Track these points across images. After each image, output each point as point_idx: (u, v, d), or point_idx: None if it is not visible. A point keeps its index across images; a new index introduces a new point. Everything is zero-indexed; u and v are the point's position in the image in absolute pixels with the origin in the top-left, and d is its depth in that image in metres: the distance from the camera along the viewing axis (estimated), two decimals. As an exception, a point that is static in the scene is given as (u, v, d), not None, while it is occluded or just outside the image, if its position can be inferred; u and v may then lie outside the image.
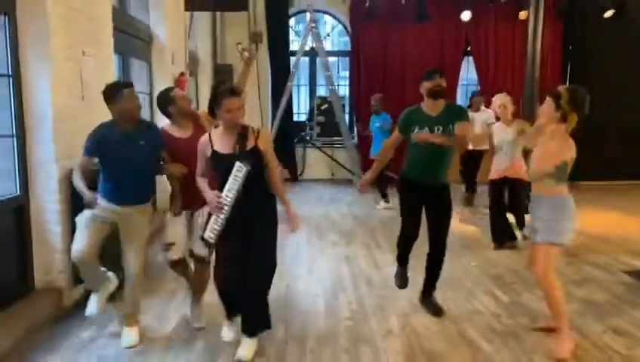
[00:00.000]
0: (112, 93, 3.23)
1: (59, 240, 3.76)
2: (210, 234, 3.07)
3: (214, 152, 3.08)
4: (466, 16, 9.68)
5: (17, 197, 3.64)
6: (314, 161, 10.65)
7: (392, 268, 4.87)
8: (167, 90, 3.59)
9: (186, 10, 6.70)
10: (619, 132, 9.63)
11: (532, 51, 7.51)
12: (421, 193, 3.73)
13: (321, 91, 10.97)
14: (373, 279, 4.63)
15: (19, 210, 3.65)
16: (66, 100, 3.84)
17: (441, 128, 3.61)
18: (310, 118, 10.84)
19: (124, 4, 5.86)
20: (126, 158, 3.26)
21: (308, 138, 10.66)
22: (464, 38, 10.22)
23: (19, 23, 3.59)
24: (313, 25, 9.13)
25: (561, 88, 3.24)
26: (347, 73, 11.24)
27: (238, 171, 2.98)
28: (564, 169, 3.13)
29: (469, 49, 10.36)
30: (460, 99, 11.56)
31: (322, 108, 10.66)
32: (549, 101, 3.23)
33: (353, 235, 6.21)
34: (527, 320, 3.71)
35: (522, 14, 9.43)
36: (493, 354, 3.22)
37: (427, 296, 3.92)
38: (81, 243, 3.20)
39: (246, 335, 3.18)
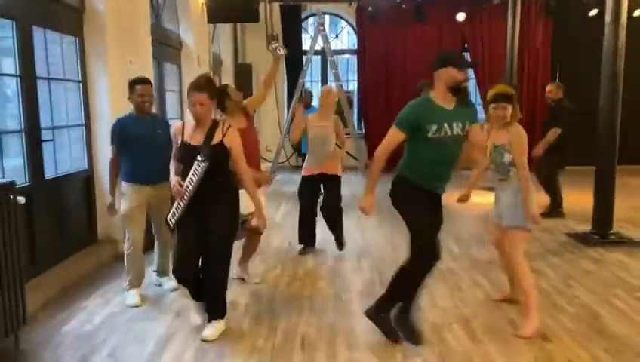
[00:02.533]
0: (129, 87, 3.97)
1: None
2: (170, 218, 3.30)
3: (183, 142, 3.24)
4: (460, 17, 10.67)
5: (85, 171, 4.94)
6: (325, 149, 11.83)
7: (373, 231, 6.03)
8: (224, 86, 4.15)
9: (209, 22, 7.95)
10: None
11: (510, 48, 8.51)
12: (433, 203, 3.21)
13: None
14: (357, 238, 5.79)
15: (87, 180, 4.96)
16: (118, 98, 5.10)
17: (460, 125, 3.04)
18: (322, 111, 12.02)
19: (159, 18, 7.13)
20: (144, 142, 3.89)
21: (320, 129, 11.83)
22: (460, 37, 11.22)
23: (85, 43, 4.88)
24: (322, 28, 10.27)
25: (509, 90, 3.48)
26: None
27: (198, 165, 3.13)
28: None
29: (466, 46, 11.37)
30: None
31: (333, 102, 11.82)
32: (509, 107, 3.41)
33: (349, 208, 7.34)
34: (467, 264, 4.84)
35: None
36: (431, 283, 4.35)
37: None
38: (134, 229, 3.89)
39: (209, 317, 3.42)
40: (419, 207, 3.12)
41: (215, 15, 7.60)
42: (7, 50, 3.97)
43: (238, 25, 11.14)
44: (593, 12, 10.38)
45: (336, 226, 5.24)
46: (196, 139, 3.22)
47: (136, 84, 3.98)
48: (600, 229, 5.52)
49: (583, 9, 10.40)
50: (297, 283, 4.41)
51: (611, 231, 5.53)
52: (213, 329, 3.35)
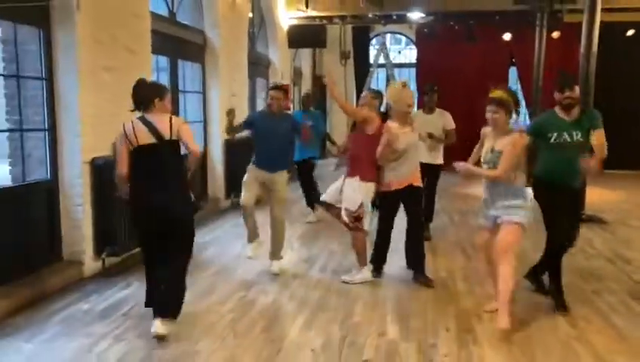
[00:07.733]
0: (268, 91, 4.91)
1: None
2: None
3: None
4: (507, 36, 12.26)
5: (202, 152, 7.46)
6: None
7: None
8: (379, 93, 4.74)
9: (289, 47, 10.38)
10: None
11: (537, 64, 10.15)
12: (560, 194, 3.75)
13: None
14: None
15: (204, 157, 7.46)
16: (225, 103, 7.55)
17: (579, 133, 3.76)
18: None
19: (254, 45, 9.62)
20: (272, 134, 4.53)
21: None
22: (508, 54, 12.80)
23: (206, 67, 7.39)
24: (384, 47, 12.40)
25: (502, 96, 3.55)
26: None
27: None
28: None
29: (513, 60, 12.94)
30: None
31: (394, 108, 13.86)
32: (500, 111, 3.50)
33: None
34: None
35: (555, 34, 11.82)
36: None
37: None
38: (246, 194, 4.59)
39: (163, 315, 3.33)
40: (549, 201, 3.82)
41: (294, 41, 10.01)
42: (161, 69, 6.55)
43: (317, 43, 13.51)
44: (630, 32, 11.62)
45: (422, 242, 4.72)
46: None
47: (270, 90, 4.82)
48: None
49: (621, 29, 11.62)
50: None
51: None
52: (172, 325, 3.36)
